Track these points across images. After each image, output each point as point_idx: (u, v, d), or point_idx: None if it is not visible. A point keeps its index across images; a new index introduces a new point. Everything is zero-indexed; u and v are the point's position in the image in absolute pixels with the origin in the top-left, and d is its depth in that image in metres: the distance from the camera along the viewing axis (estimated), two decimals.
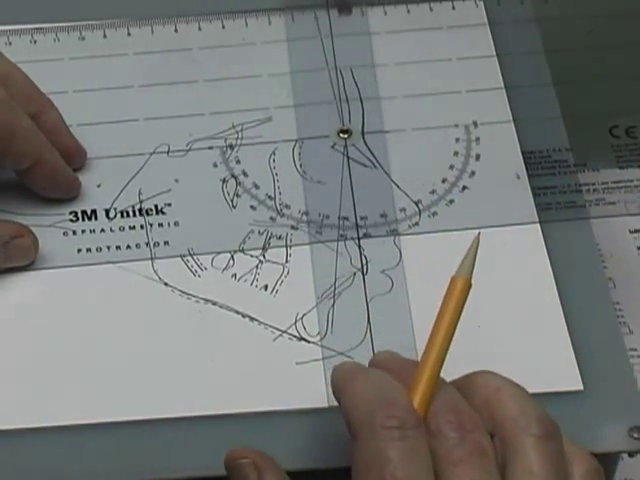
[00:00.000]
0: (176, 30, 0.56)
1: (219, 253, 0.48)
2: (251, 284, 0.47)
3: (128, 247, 0.48)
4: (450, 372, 0.40)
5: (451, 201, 0.50)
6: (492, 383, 0.38)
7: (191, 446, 0.42)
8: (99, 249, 0.48)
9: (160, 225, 0.49)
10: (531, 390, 0.43)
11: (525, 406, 0.37)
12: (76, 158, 0.50)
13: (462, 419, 0.36)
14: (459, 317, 0.39)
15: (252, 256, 0.48)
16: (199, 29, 0.56)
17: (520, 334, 0.45)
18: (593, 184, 0.54)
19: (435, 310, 0.45)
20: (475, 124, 0.53)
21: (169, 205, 0.49)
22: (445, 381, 0.38)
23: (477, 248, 0.39)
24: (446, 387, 0.38)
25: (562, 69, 0.55)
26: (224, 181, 0.50)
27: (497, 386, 0.38)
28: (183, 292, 0.46)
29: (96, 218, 0.49)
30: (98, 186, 0.50)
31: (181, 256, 0.48)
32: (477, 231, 0.40)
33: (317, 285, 0.47)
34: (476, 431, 0.36)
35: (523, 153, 0.51)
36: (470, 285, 0.39)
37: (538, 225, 0.49)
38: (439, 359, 0.38)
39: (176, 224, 0.49)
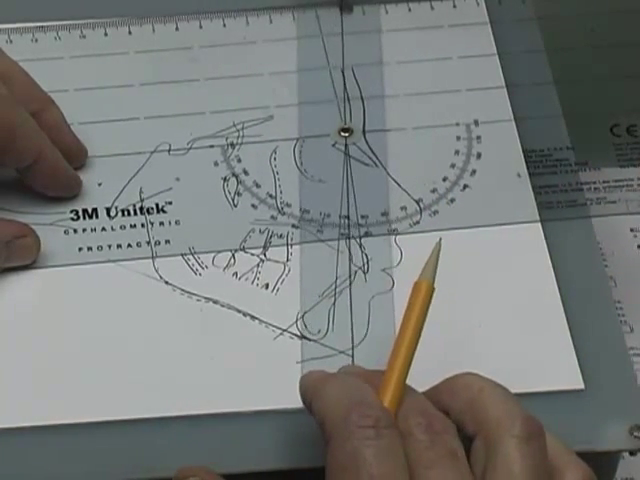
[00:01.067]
0: (177, 29, 0.56)
1: (220, 252, 0.48)
2: (252, 283, 0.47)
3: (129, 246, 0.48)
4: (451, 370, 0.40)
5: (452, 200, 0.50)
6: (475, 384, 0.38)
7: (192, 444, 0.42)
8: (100, 248, 0.48)
9: (161, 224, 0.49)
10: (532, 389, 0.43)
11: (509, 407, 0.37)
12: (77, 156, 0.50)
13: (431, 421, 0.37)
14: (424, 321, 0.39)
15: (253, 255, 0.48)
16: (200, 27, 0.56)
17: (521, 333, 0.45)
18: (594, 183, 0.54)
19: (433, 308, 0.45)
20: (476, 123, 0.53)
21: (170, 204, 0.49)
22: (412, 387, 0.39)
23: (439, 252, 0.40)
24: (414, 392, 0.38)
25: (563, 68, 0.55)
26: (225, 180, 0.50)
27: (480, 387, 0.38)
28: (184, 291, 0.46)
29: (97, 217, 0.49)
30: (99, 184, 0.50)
31: (182, 255, 0.48)
32: (438, 237, 0.41)
33: (318, 284, 0.47)
34: (446, 433, 0.36)
35: (524, 152, 0.51)
36: (433, 289, 0.39)
37: (539, 224, 0.49)
38: (406, 363, 0.38)
39: (177, 223, 0.49)
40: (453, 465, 0.36)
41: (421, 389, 0.39)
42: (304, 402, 0.39)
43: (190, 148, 0.51)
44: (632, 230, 0.57)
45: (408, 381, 0.38)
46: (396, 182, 0.50)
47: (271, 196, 0.50)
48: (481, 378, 0.38)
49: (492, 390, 0.38)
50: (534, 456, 0.36)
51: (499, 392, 0.38)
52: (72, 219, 0.49)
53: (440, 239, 0.40)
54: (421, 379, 0.40)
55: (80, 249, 0.48)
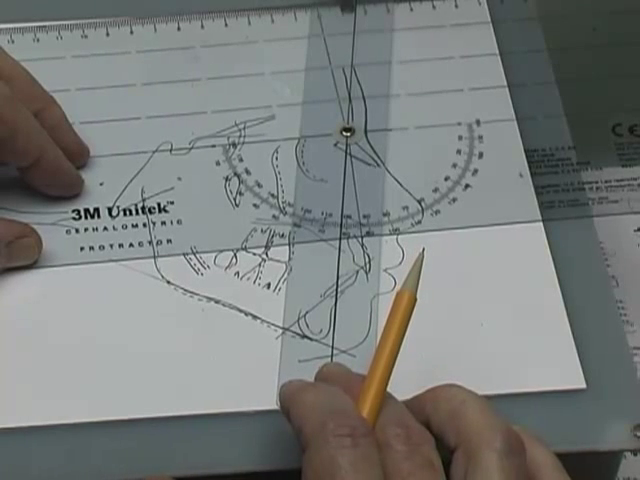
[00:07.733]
0: (179, 28, 0.56)
1: (222, 251, 0.48)
2: (254, 282, 0.47)
3: (131, 245, 0.48)
4: (452, 369, 0.40)
5: (454, 199, 0.50)
6: (458, 396, 0.38)
7: (194, 444, 0.42)
8: (102, 247, 0.48)
9: (163, 223, 0.49)
10: (533, 388, 0.43)
11: (490, 420, 0.37)
12: (79, 156, 0.50)
13: (410, 432, 0.37)
14: (405, 330, 0.39)
15: (255, 254, 0.48)
16: (202, 27, 0.56)
17: (522, 332, 0.45)
18: (596, 182, 0.54)
19: (436, 307, 0.45)
20: (478, 122, 0.53)
21: (172, 203, 0.49)
22: (392, 396, 0.39)
23: (422, 263, 0.40)
24: (393, 402, 0.38)
25: (565, 67, 0.55)
26: (227, 179, 0.50)
27: (462, 399, 0.38)
28: (186, 290, 0.46)
29: (99, 216, 0.49)
30: (101, 184, 0.50)
31: (184, 254, 0.48)
32: (421, 248, 0.40)
33: (320, 283, 0.47)
34: (424, 444, 0.36)
35: (526, 151, 0.51)
36: (415, 299, 0.39)
37: (541, 223, 0.49)
38: (386, 373, 0.38)
39: (179, 222, 0.49)
40: (430, 476, 0.36)
41: (423, 389, 0.39)
42: (282, 411, 0.39)
43: (192, 148, 0.51)
44: (635, 230, 0.57)
45: (405, 382, 0.39)
46: (398, 182, 0.50)
47: (273, 196, 0.50)
48: (464, 390, 0.38)
49: (474, 403, 0.38)
50: (514, 470, 0.36)
51: (481, 405, 0.38)
52: (74, 219, 0.49)
53: (423, 249, 0.40)
54: (423, 377, 0.40)
55: (82, 249, 0.48)
